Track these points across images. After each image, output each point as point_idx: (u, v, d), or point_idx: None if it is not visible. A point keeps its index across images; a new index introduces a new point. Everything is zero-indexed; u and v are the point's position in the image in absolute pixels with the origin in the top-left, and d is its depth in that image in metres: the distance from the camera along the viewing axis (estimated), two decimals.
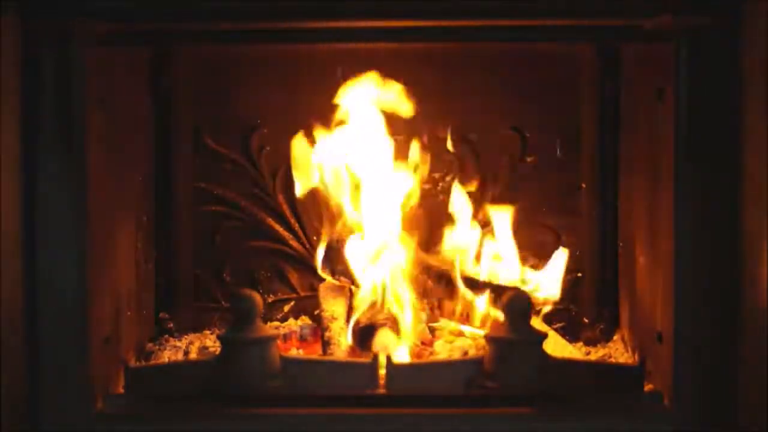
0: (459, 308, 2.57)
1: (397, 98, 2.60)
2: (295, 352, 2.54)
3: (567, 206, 2.76)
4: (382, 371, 2.26)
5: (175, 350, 2.59)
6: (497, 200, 2.74)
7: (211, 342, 2.65)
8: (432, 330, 2.59)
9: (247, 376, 2.26)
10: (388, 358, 2.28)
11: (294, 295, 2.82)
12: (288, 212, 2.78)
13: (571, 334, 2.70)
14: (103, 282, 2.30)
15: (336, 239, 2.59)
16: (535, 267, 2.65)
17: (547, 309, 2.62)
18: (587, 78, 2.73)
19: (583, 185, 2.76)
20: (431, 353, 2.51)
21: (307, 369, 2.30)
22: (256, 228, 2.80)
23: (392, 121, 2.63)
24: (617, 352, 2.62)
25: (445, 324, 2.58)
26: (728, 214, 2.13)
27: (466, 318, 2.56)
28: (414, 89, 2.65)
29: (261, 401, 2.24)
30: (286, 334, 2.60)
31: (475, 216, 2.69)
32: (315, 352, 2.55)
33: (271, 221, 2.79)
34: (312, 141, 2.63)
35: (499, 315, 2.35)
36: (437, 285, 2.57)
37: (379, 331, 2.45)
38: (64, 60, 2.13)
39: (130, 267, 2.54)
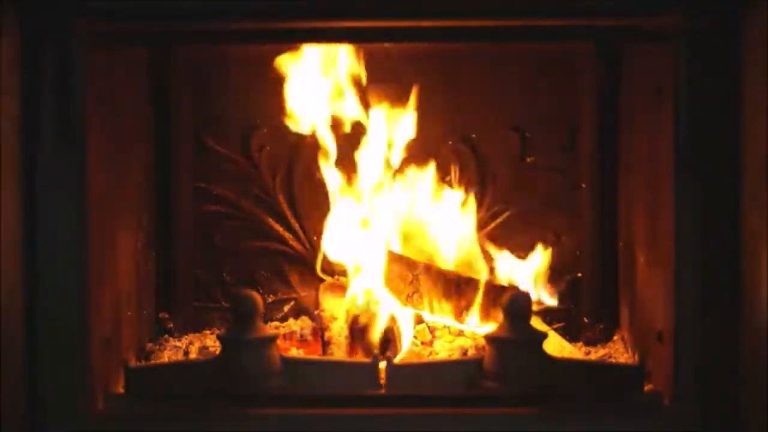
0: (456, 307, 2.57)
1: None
2: (295, 352, 2.54)
3: (567, 206, 2.76)
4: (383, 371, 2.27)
5: (175, 350, 2.59)
6: (498, 200, 2.75)
7: (211, 342, 2.64)
8: (432, 330, 2.59)
9: (247, 376, 2.26)
10: (389, 359, 2.28)
11: (294, 295, 2.82)
12: (288, 212, 2.78)
13: (571, 334, 2.70)
14: (103, 282, 2.30)
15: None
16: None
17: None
18: (587, 78, 2.73)
19: (583, 185, 2.76)
20: (431, 353, 2.51)
21: (307, 369, 2.30)
22: (256, 228, 2.80)
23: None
24: (617, 352, 2.62)
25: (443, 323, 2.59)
26: (728, 214, 2.13)
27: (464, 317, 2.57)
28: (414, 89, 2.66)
29: (261, 401, 2.24)
30: (286, 334, 2.60)
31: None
32: (315, 352, 2.55)
33: (271, 221, 2.79)
34: None
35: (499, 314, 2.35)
36: (435, 284, 2.57)
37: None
38: (64, 60, 2.13)
39: (130, 267, 2.54)
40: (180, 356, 2.57)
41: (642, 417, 2.20)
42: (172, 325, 2.73)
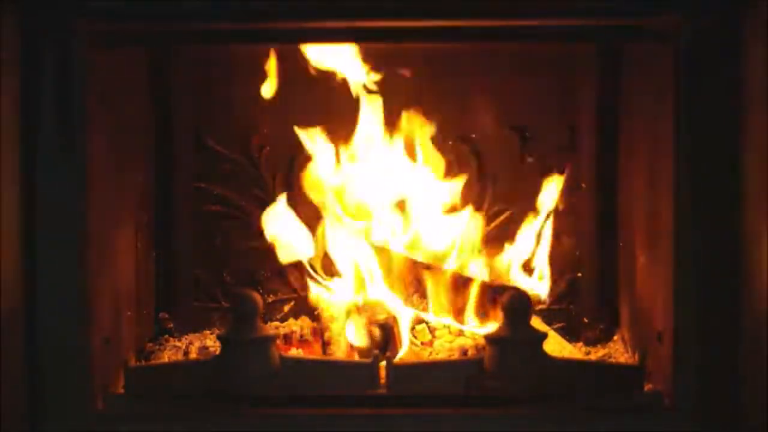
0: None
1: None
2: (295, 352, 2.54)
3: (567, 206, 2.76)
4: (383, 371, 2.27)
5: (175, 350, 2.59)
6: (497, 200, 2.75)
7: (211, 342, 2.64)
8: (432, 330, 2.59)
9: (247, 376, 2.26)
10: (389, 359, 2.28)
11: (294, 295, 2.82)
12: None
13: (571, 334, 2.70)
14: (103, 282, 2.30)
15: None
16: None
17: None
18: (587, 78, 2.73)
19: (583, 185, 2.76)
20: (431, 353, 2.51)
21: (307, 369, 2.30)
22: (256, 228, 2.80)
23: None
24: (617, 352, 2.62)
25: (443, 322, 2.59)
26: (728, 214, 2.13)
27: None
28: (414, 89, 2.66)
29: (261, 401, 2.24)
30: (286, 334, 2.60)
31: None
32: (315, 352, 2.55)
33: None
34: None
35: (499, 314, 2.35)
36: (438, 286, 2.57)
37: None
38: (64, 59, 2.13)
39: (130, 267, 2.54)
40: (180, 356, 2.57)
41: (642, 417, 2.20)
42: (172, 325, 2.73)
